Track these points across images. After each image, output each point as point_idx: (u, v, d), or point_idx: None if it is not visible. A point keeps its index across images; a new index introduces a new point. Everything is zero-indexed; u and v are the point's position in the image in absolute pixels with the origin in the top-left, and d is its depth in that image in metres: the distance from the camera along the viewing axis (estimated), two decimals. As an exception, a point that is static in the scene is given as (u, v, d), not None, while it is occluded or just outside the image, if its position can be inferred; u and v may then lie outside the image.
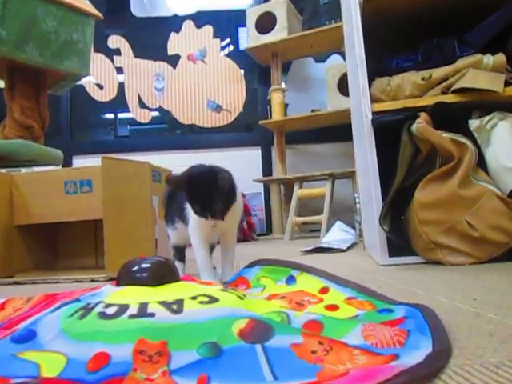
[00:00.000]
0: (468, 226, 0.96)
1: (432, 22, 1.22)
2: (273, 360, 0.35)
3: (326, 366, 0.35)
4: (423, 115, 1.01)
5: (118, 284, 0.53)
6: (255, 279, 0.75)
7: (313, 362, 0.36)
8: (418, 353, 0.37)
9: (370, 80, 1.19)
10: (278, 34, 2.96)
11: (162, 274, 0.53)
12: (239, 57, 3.55)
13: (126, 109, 3.57)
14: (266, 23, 3.01)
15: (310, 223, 2.87)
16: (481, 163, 1.01)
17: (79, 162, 3.62)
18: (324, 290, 0.65)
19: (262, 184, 3.52)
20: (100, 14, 1.74)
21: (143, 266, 0.53)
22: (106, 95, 3.51)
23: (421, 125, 0.97)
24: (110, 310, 0.42)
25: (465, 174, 0.96)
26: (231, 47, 3.74)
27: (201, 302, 0.43)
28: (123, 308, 0.42)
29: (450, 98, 1.08)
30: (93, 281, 1.18)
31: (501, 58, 1.11)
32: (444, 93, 1.12)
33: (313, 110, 3.12)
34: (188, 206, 0.85)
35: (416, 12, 1.24)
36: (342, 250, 1.63)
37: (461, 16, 1.19)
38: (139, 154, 3.50)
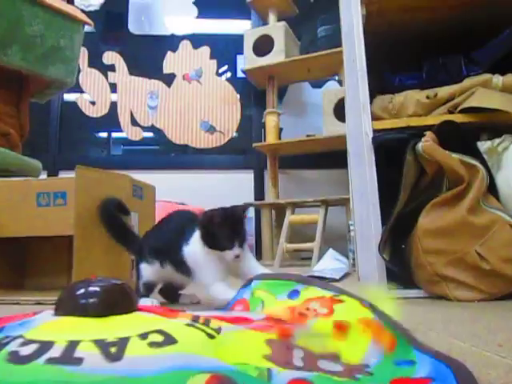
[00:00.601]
0: (478, 258, 0.86)
1: (437, 39, 1.15)
2: None
3: None
4: (429, 134, 0.92)
5: (56, 311, 0.41)
6: (252, 296, 0.63)
7: None
8: None
9: (371, 98, 1.11)
10: (275, 56, 2.93)
11: (114, 302, 0.42)
12: (236, 83, 3.51)
13: (119, 128, 3.50)
14: (263, 46, 2.98)
15: (301, 250, 2.76)
16: (491, 188, 0.92)
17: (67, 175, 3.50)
18: (337, 300, 0.53)
19: (253, 208, 3.42)
20: (90, 21, 1.66)
21: (91, 289, 0.42)
22: (97, 111, 3.43)
23: (428, 143, 0.89)
24: (27, 350, 0.30)
25: (475, 200, 0.87)
26: (229, 74, 3.70)
27: (151, 344, 0.32)
28: (44, 347, 0.30)
29: (457, 118, 1.00)
30: (57, 304, 1.05)
31: (511, 78, 1.04)
32: (451, 112, 1.04)
33: (308, 135, 3.06)
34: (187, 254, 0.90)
35: (421, 28, 1.18)
36: (335, 280, 1.51)
37: (467, 34, 1.13)
38: (131, 173, 3.39)
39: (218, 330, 0.40)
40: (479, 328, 0.63)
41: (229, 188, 3.52)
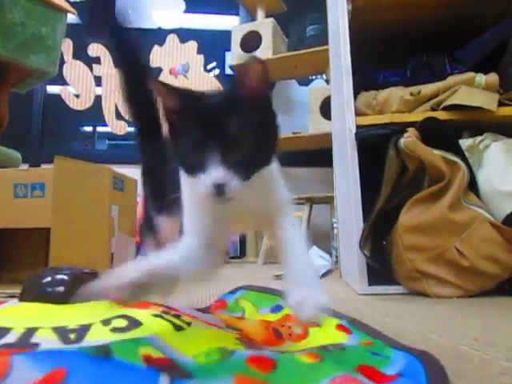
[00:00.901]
0: (457, 254, 0.86)
1: (422, 37, 1.15)
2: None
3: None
4: (412, 130, 0.92)
5: (21, 298, 0.40)
6: (234, 301, 0.62)
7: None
8: None
9: (356, 94, 1.11)
10: (263, 53, 2.91)
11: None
12: (224, 80, 3.49)
13: (104, 122, 3.45)
14: (251, 42, 2.96)
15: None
16: (472, 186, 0.92)
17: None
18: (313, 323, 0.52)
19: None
20: (73, 10, 1.63)
21: (58, 278, 0.41)
22: (82, 104, 3.38)
23: (410, 139, 0.88)
24: (-18, 337, 0.29)
25: (455, 196, 0.87)
26: (217, 70, 3.68)
27: (113, 330, 0.30)
28: (0, 333, 0.29)
29: (440, 115, 1.00)
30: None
31: (493, 77, 1.05)
32: (434, 110, 1.04)
33: (294, 133, 3.06)
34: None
35: (406, 26, 1.18)
36: (317, 277, 1.51)
37: (452, 33, 1.13)
38: (115, 167, 3.35)
39: (189, 324, 0.39)
40: (457, 323, 0.63)
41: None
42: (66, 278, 0.41)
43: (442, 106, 1.01)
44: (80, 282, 0.42)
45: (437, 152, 0.89)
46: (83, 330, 0.30)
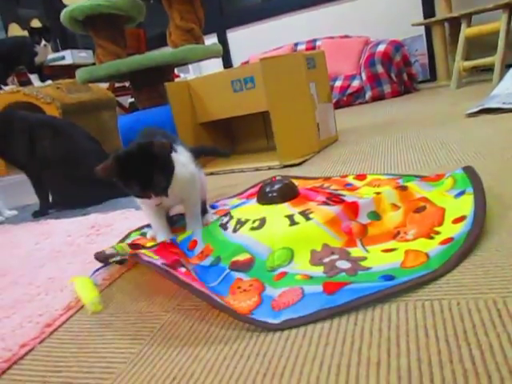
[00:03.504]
0: None
1: None
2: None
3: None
4: None
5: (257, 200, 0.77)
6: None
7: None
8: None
9: None
10: None
11: (286, 194, 0.75)
12: None
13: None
14: None
15: (481, 66, 2.57)
16: None
17: (233, 35, 3.78)
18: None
19: (422, 27, 3.17)
20: None
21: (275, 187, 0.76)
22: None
23: None
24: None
25: None
26: None
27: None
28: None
29: None
30: (270, 168, 1.39)
31: None
32: None
33: None
34: None
35: None
36: (512, 110, 1.49)
37: None
38: (287, 16, 3.45)
39: (309, 219, 0.66)
40: None
41: (393, 8, 3.28)
42: (277, 186, 0.75)
43: None
44: (284, 189, 0.75)
45: None
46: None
